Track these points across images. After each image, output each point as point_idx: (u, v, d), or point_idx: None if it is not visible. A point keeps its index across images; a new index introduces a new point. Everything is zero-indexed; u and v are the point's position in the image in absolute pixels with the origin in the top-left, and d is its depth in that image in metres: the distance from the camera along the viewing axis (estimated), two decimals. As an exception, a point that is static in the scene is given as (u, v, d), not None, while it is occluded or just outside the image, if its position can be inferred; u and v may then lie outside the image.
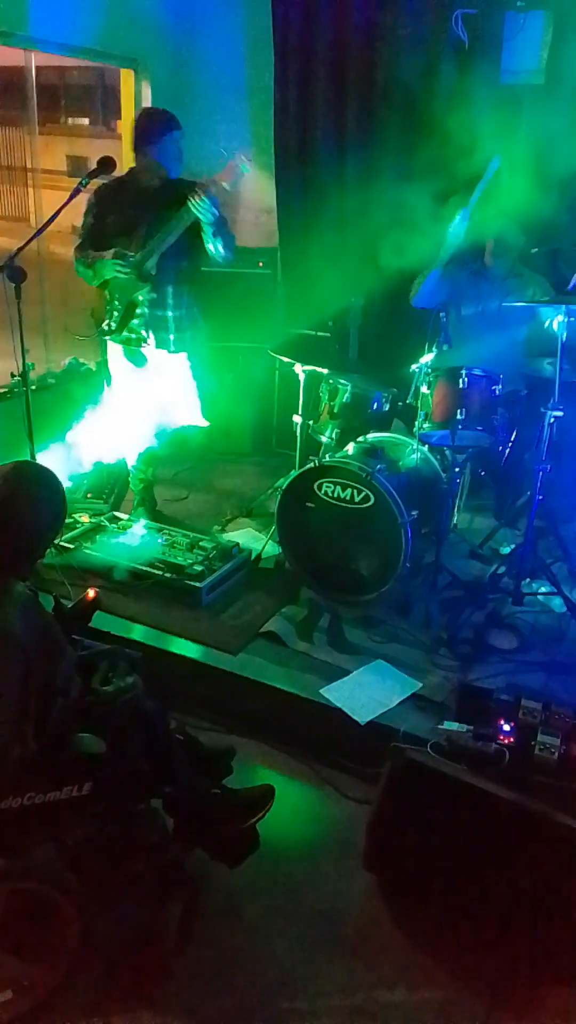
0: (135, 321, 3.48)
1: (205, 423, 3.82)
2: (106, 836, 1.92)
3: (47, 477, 1.93)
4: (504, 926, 2.11)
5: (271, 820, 2.28)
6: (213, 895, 2.21)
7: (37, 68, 4.64)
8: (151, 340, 3.52)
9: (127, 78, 4.84)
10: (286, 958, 2.08)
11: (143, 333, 3.50)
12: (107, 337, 3.58)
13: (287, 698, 2.84)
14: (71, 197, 3.33)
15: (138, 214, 3.40)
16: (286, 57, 4.51)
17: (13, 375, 3.40)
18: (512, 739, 2.48)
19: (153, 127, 3.42)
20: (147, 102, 4.79)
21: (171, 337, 3.52)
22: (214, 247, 3.34)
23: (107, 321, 3.54)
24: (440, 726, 2.55)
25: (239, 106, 4.85)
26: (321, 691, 2.80)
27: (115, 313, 3.51)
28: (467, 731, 2.51)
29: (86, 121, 12.65)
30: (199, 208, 3.22)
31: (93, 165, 3.29)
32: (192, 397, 3.72)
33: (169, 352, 3.55)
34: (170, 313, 3.49)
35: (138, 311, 3.47)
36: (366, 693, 2.79)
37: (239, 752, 2.56)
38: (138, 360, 3.60)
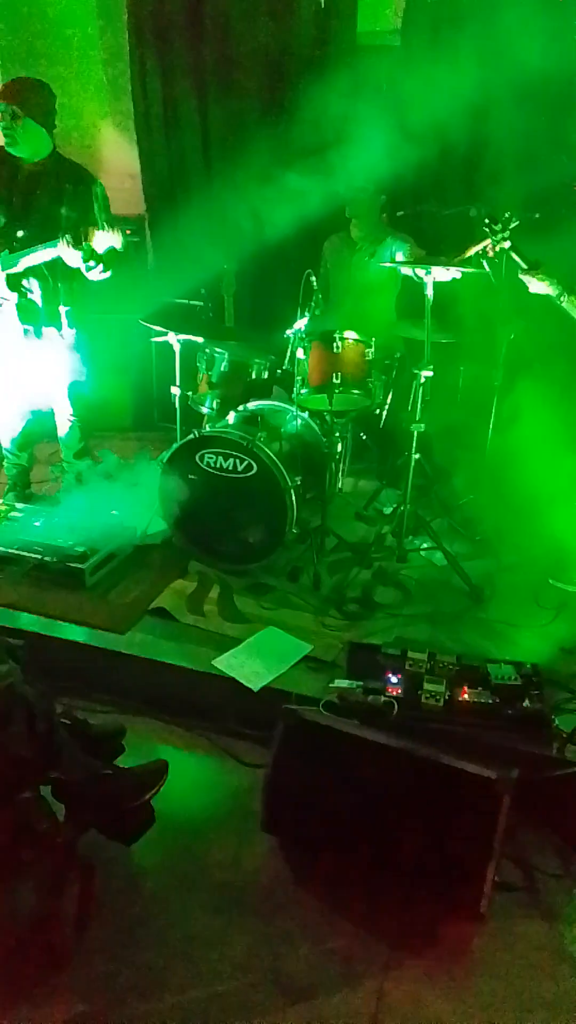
0: None
1: (69, 422, 3.74)
2: (-8, 829, 1.85)
3: None
4: (400, 870, 2.18)
5: (170, 794, 2.26)
6: (112, 876, 2.18)
7: None
8: (9, 322, 3.41)
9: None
10: (190, 926, 2.07)
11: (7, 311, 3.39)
12: None
13: (180, 672, 2.81)
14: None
15: (15, 198, 3.24)
16: (140, 21, 4.36)
17: None
18: (400, 690, 2.56)
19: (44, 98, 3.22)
20: (-6, 67, 4.53)
21: (40, 324, 3.43)
22: (85, 273, 3.24)
23: None
24: (331, 684, 2.60)
25: (94, 70, 4.65)
26: (213, 662, 2.79)
27: None
28: (357, 687, 2.57)
29: None
30: (69, 257, 3.13)
31: None
32: (64, 382, 3.61)
33: (37, 336, 3.45)
34: (40, 304, 3.39)
35: None
36: (258, 660, 2.80)
37: (135, 731, 2.53)
38: (6, 344, 3.48)
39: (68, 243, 3.10)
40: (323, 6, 4.02)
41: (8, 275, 3.28)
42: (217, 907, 2.13)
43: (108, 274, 3.24)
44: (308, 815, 2.27)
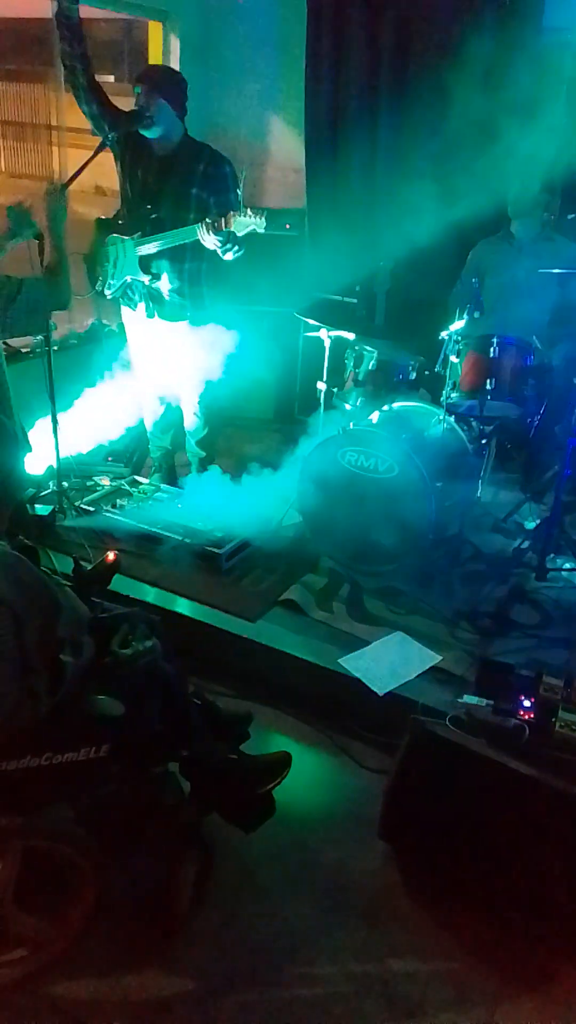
0: (130, 290, 3.46)
1: (193, 412, 3.73)
2: (122, 797, 1.91)
3: None
4: (518, 901, 2.10)
5: (287, 787, 2.27)
6: (227, 859, 2.22)
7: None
8: (141, 308, 3.47)
9: (155, 31, 4.71)
10: (298, 923, 2.08)
11: (137, 297, 3.47)
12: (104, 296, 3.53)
13: (305, 666, 2.82)
14: (95, 153, 3.28)
15: (149, 180, 3.31)
16: (319, 13, 4.36)
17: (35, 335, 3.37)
18: (532, 715, 2.45)
19: (177, 84, 3.30)
20: (175, 56, 4.67)
21: (164, 308, 3.46)
22: (221, 255, 3.24)
23: (100, 282, 3.48)
24: (460, 700, 2.52)
25: (270, 62, 4.71)
26: (340, 661, 2.78)
27: (108, 279, 3.45)
28: (487, 705, 2.47)
29: (111, 78, 12.50)
30: (207, 240, 3.15)
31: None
32: (191, 373, 3.63)
33: (162, 320, 3.50)
34: (166, 285, 3.41)
35: (129, 278, 3.41)
36: (385, 664, 2.76)
37: (256, 718, 2.55)
38: (143, 333, 3.59)
39: (207, 228, 3.13)
40: (508, 3, 3.88)
41: (140, 256, 3.34)
42: (327, 907, 2.13)
43: (241, 252, 3.22)
44: (427, 828, 2.23)
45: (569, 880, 2.03)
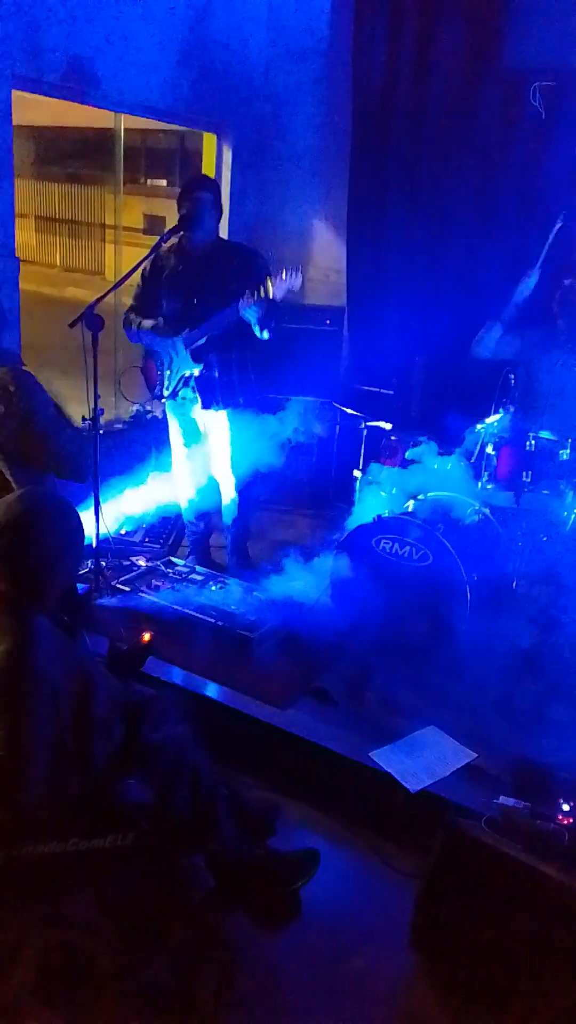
0: (184, 387, 3.59)
1: (231, 494, 3.81)
2: (145, 890, 1.86)
3: (56, 503, 1.88)
4: (555, 1016, 1.96)
5: (314, 886, 2.19)
6: (250, 961, 2.12)
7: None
8: (200, 401, 3.60)
9: (210, 142, 5.03)
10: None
11: (192, 393, 3.59)
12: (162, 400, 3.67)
13: (335, 759, 2.75)
14: (147, 255, 3.48)
15: (190, 279, 3.48)
16: (363, 126, 4.64)
17: (84, 418, 3.48)
18: (572, 819, 2.35)
19: (217, 191, 3.53)
20: (227, 165, 4.97)
21: (217, 397, 3.59)
22: (259, 333, 3.38)
23: (160, 385, 3.63)
24: (496, 800, 2.44)
25: (315, 171, 4.99)
26: (371, 754, 2.71)
27: (168, 382, 3.60)
28: (524, 808, 2.39)
29: (164, 182, 13.31)
30: (248, 312, 3.29)
31: (168, 224, 3.42)
32: (231, 458, 3.73)
33: (214, 410, 3.62)
34: (217, 375, 3.54)
35: (187, 373, 3.55)
36: (418, 759, 2.69)
37: (283, 811, 2.48)
38: (187, 422, 3.70)
39: (247, 300, 3.26)
40: (544, 117, 4.10)
41: (191, 350, 3.49)
42: (353, 1021, 2.01)
43: (275, 328, 3.36)
44: (460, 937, 2.11)
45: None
